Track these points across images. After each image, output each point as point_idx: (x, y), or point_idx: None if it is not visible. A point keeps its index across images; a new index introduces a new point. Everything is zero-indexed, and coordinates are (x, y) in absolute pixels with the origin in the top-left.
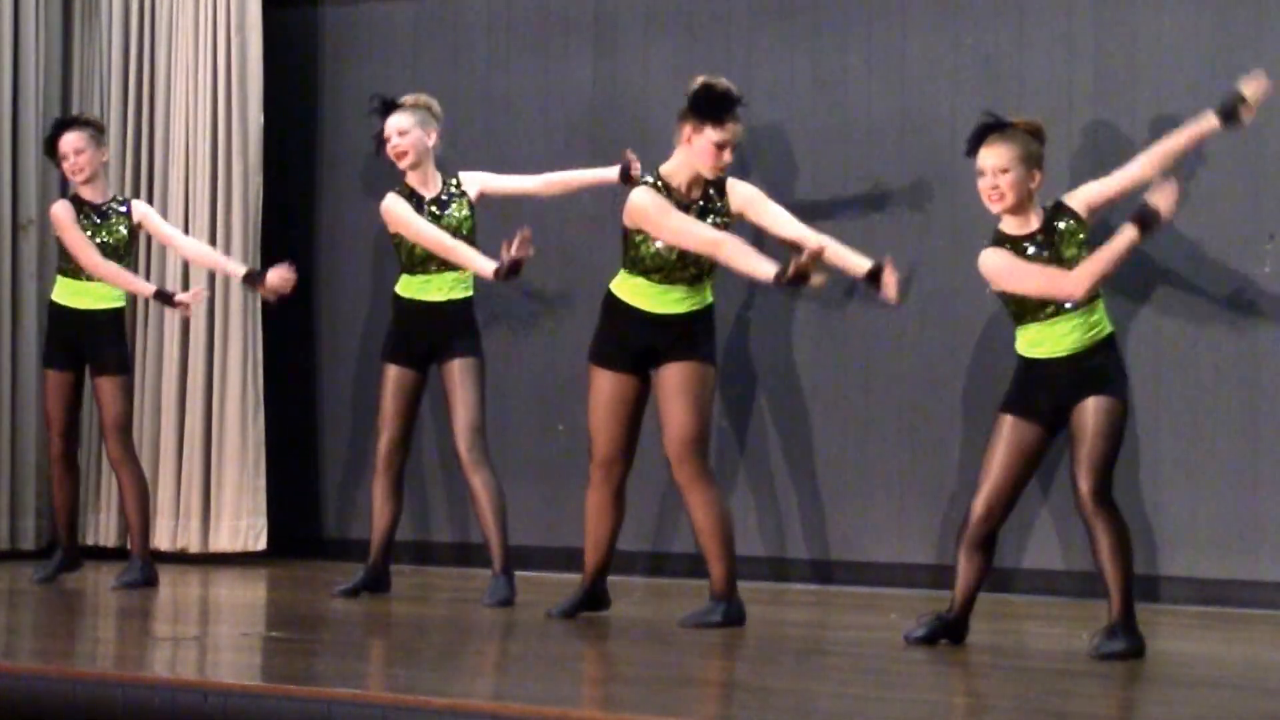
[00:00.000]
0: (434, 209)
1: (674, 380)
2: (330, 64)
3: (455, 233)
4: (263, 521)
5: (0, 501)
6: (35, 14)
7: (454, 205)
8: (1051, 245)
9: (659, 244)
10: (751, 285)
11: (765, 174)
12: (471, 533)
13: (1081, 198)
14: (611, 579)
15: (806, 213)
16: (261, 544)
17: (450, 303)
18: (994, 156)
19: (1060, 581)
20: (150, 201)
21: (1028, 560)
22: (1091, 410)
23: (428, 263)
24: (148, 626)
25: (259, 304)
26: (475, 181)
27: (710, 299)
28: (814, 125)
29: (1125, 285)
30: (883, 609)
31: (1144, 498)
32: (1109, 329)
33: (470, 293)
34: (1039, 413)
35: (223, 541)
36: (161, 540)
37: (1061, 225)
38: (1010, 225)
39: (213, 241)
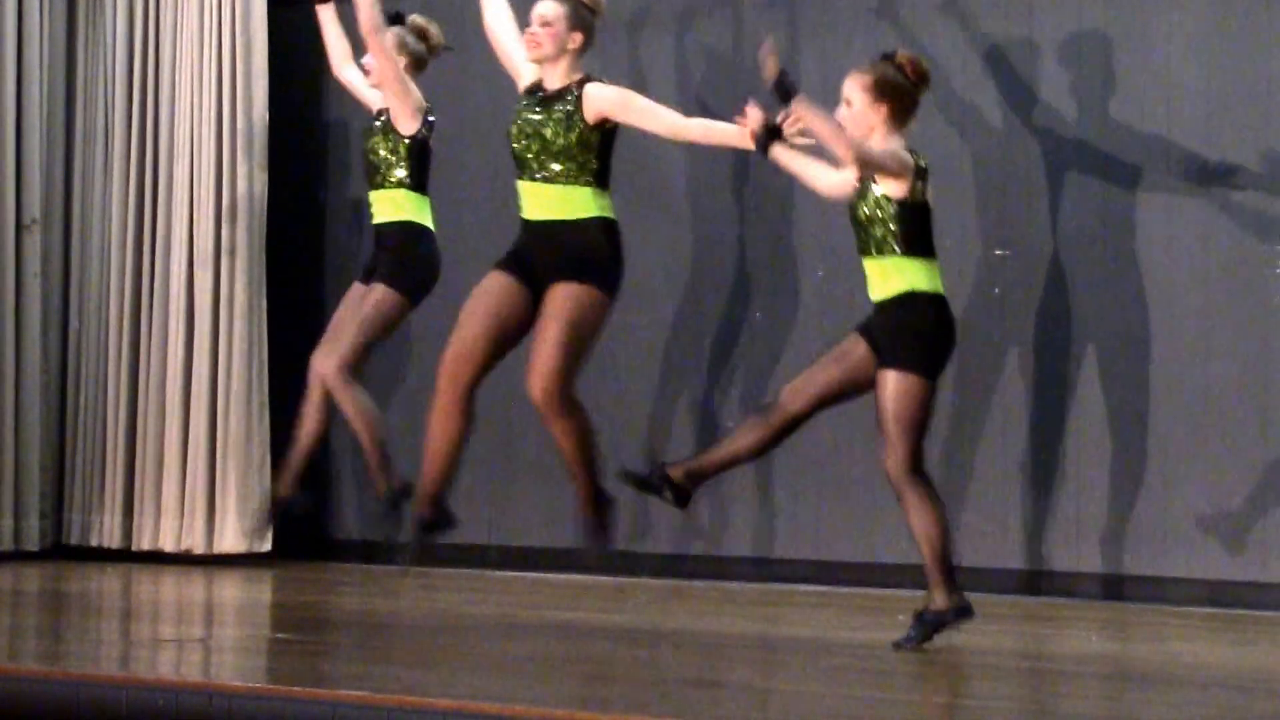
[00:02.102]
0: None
1: (549, 302)
2: None
3: (382, 162)
4: (268, 522)
5: (3, 501)
6: (39, 12)
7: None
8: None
9: (511, 127)
10: (757, 284)
11: (769, 170)
12: (477, 533)
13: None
14: (619, 581)
15: (812, 207)
16: (267, 545)
17: (384, 225)
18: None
19: (1066, 582)
20: (155, 199)
21: (1034, 561)
22: (880, 387)
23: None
24: (153, 628)
25: (264, 302)
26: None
27: (599, 212)
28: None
29: (1136, 285)
30: (889, 610)
31: (1153, 498)
32: (910, 287)
33: (401, 217)
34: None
35: (228, 542)
36: (166, 541)
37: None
38: None
39: (216, 240)
